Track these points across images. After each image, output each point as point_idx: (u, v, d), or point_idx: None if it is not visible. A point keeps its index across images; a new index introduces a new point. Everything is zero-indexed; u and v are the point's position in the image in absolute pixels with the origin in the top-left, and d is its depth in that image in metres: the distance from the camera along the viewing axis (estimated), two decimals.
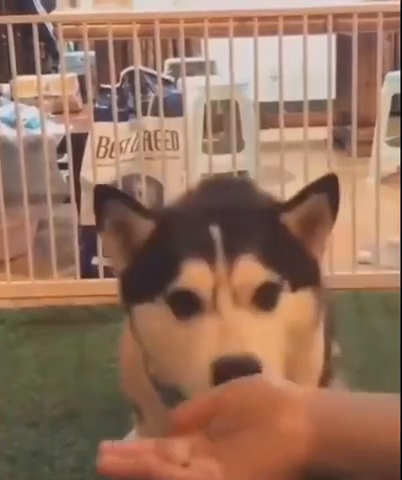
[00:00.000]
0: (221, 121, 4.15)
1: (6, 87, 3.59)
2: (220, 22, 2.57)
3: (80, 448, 1.75)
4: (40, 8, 5.08)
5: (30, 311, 2.50)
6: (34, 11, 4.82)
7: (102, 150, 2.69)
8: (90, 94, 2.64)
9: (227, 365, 0.87)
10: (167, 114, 2.62)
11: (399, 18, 2.55)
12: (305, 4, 2.68)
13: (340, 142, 3.84)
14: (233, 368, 0.86)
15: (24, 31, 4.15)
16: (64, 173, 2.96)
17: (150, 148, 2.71)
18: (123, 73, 2.74)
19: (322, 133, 2.77)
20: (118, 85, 2.70)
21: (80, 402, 1.95)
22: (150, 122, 2.69)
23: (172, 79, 3.00)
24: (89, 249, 2.69)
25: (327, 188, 1.00)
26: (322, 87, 2.62)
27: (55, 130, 2.90)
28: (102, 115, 2.67)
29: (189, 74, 2.95)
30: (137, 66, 2.64)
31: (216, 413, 0.74)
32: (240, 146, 3.47)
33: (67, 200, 2.72)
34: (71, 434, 1.81)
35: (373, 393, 0.77)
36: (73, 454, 1.73)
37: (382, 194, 2.65)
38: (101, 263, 2.62)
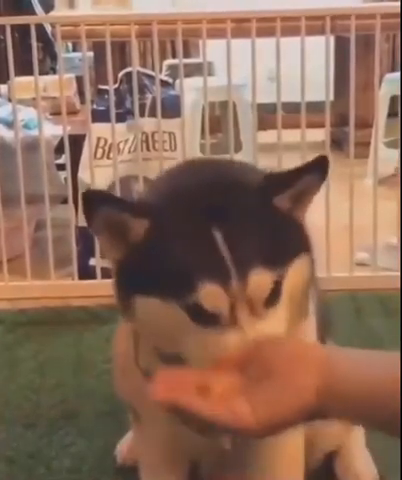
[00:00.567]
0: (219, 122, 4.16)
1: (4, 88, 3.60)
2: (218, 23, 2.58)
3: (78, 449, 1.75)
4: (38, 9, 5.08)
5: (28, 312, 2.50)
6: (32, 12, 4.82)
7: (100, 151, 2.70)
8: (88, 95, 2.64)
9: None
10: (165, 115, 2.63)
11: (397, 20, 2.56)
12: (303, 5, 2.68)
13: (338, 143, 3.85)
14: None
15: (22, 32, 4.13)
16: (62, 174, 2.96)
17: (148, 149, 2.71)
18: (121, 74, 2.75)
19: (320, 134, 2.77)
20: (116, 86, 2.70)
21: (78, 403, 1.95)
22: (148, 123, 2.69)
23: (170, 80, 3.00)
24: (86, 250, 2.69)
25: (319, 169, 1.01)
26: (320, 88, 2.62)
27: (53, 131, 2.91)
28: (100, 116, 2.67)
29: (187, 75, 2.95)
30: (135, 67, 2.64)
31: (253, 361, 0.91)
32: (238, 147, 3.48)
33: (65, 201, 2.72)
34: (69, 435, 1.81)
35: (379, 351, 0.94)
36: (70, 455, 1.73)
37: (380, 195, 2.65)
38: (98, 264, 2.62)
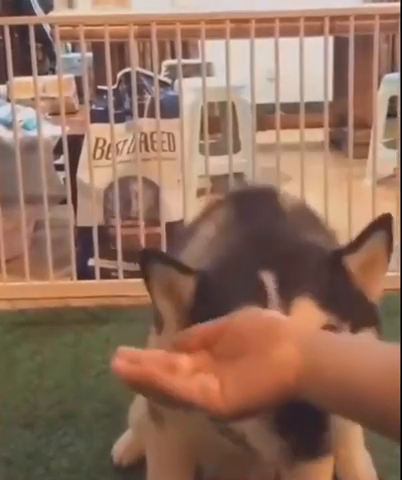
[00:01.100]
0: (218, 122, 4.15)
1: (3, 88, 3.59)
2: (217, 24, 2.57)
3: (76, 449, 1.76)
4: (38, 9, 5.08)
5: (26, 312, 2.50)
6: (32, 12, 4.82)
7: (98, 151, 2.70)
8: (86, 95, 2.64)
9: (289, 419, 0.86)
10: (163, 115, 2.62)
11: (396, 20, 2.56)
12: (302, 6, 2.68)
13: (337, 144, 3.85)
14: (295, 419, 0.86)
15: (22, 32, 4.14)
16: (61, 174, 2.96)
17: (146, 149, 2.71)
18: (120, 74, 2.75)
19: (319, 135, 2.77)
20: (115, 87, 2.70)
21: (76, 403, 1.95)
22: (146, 124, 2.69)
23: (169, 81, 3.00)
24: (85, 250, 2.69)
25: (384, 227, 1.00)
26: (319, 89, 2.62)
27: (52, 131, 2.90)
28: (99, 116, 2.67)
29: (186, 76, 2.95)
30: (134, 68, 2.64)
31: (221, 337, 0.82)
32: (237, 147, 3.47)
33: (63, 201, 2.72)
34: (67, 435, 1.81)
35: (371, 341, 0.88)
36: (69, 455, 1.74)
37: (379, 196, 2.65)
38: (97, 264, 2.62)
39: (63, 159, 2.67)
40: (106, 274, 2.64)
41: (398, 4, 2.60)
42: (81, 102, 3.28)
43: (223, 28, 2.53)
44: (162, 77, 3.28)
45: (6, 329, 2.39)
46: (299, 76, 2.56)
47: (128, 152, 2.72)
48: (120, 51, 3.74)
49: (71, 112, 3.22)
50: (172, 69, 4.34)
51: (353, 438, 1.59)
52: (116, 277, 2.60)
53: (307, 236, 1.06)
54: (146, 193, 2.68)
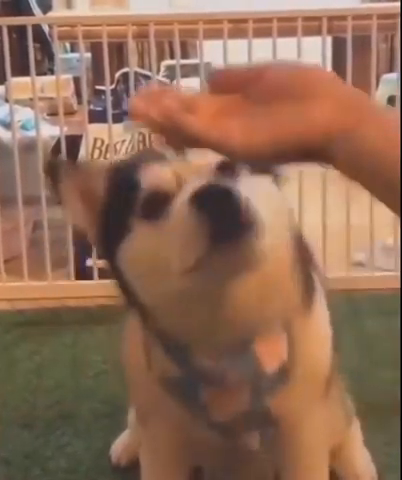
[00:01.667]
0: None
1: (1, 88, 3.59)
2: (215, 24, 2.57)
3: (74, 449, 1.76)
4: (36, 10, 5.08)
5: (25, 312, 2.50)
6: (30, 13, 4.82)
7: (97, 152, 2.69)
8: (85, 96, 2.64)
9: (205, 190, 0.87)
10: None
11: (393, 20, 2.56)
12: (299, 6, 2.68)
13: None
14: (209, 189, 0.87)
15: (20, 32, 4.14)
16: None
17: None
18: (117, 75, 2.75)
19: None
20: (113, 87, 2.70)
21: (74, 403, 1.95)
22: None
23: (167, 81, 3.00)
24: (84, 250, 2.69)
25: None
26: None
27: (50, 132, 2.90)
28: (97, 117, 2.67)
29: (185, 76, 2.95)
30: (131, 68, 2.64)
31: (254, 82, 0.76)
32: None
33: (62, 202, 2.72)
34: (65, 435, 1.81)
35: None
36: (67, 455, 1.74)
37: None
38: (95, 265, 2.62)
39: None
40: (104, 274, 2.64)
41: (395, 4, 2.60)
42: (79, 102, 3.28)
43: (221, 28, 2.53)
44: (161, 77, 3.27)
45: (5, 329, 2.39)
46: None
47: (126, 152, 2.71)
48: (118, 51, 3.75)
49: (69, 112, 3.22)
50: (171, 69, 4.33)
51: (353, 436, 1.59)
52: None
53: None
54: None
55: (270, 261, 0.92)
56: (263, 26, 2.56)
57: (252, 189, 0.92)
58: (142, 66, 4.79)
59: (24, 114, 3.03)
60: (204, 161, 0.95)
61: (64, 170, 1.01)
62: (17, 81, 2.89)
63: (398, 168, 0.71)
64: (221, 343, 0.91)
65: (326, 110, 0.73)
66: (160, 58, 5.08)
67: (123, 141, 2.72)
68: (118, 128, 2.69)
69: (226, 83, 0.77)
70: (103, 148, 2.69)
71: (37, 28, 3.94)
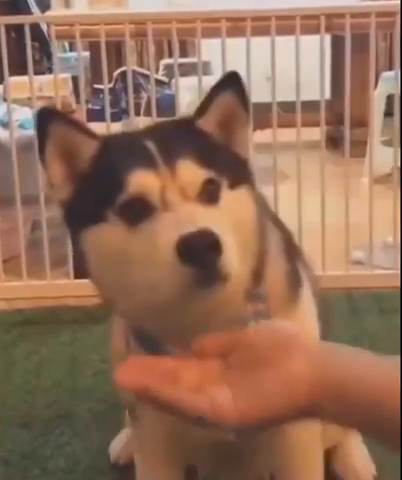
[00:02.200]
0: None
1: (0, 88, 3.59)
2: (213, 22, 2.57)
3: (72, 449, 1.75)
4: (35, 9, 5.08)
5: (24, 312, 2.50)
6: (29, 12, 4.82)
7: None
8: (82, 95, 2.64)
9: (190, 239, 0.90)
10: (160, 114, 2.62)
11: (392, 18, 2.56)
12: (298, 4, 2.67)
13: (335, 142, 3.84)
14: (196, 240, 0.90)
15: (19, 32, 4.14)
16: None
17: None
18: (116, 73, 2.75)
19: (316, 133, 2.77)
20: (111, 85, 2.70)
21: (73, 403, 1.95)
22: (143, 122, 2.69)
23: (166, 79, 3.00)
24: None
25: (230, 85, 1.03)
26: (317, 87, 2.62)
27: None
28: (95, 115, 2.67)
29: (184, 74, 2.94)
30: (129, 67, 2.64)
31: (236, 348, 0.84)
32: None
33: None
34: (64, 435, 1.81)
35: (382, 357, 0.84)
36: (65, 455, 1.73)
37: (378, 194, 2.65)
38: None
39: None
40: None
41: (394, 2, 2.59)
42: (78, 101, 3.28)
43: (219, 27, 2.53)
44: (159, 76, 3.27)
45: (4, 329, 2.39)
46: (296, 74, 2.55)
47: None
48: (117, 50, 3.75)
49: (68, 111, 3.22)
50: (170, 68, 4.33)
51: (351, 435, 1.59)
52: None
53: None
54: None
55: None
56: (261, 24, 2.55)
57: (232, 208, 0.98)
58: (141, 65, 4.80)
59: (22, 113, 3.03)
60: (192, 176, 0.96)
61: (55, 124, 1.00)
62: (15, 80, 2.89)
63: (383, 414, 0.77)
64: (189, 334, 0.92)
65: (302, 366, 0.80)
66: (159, 57, 5.09)
67: None
68: (116, 127, 2.69)
69: (206, 351, 0.85)
70: None
71: (36, 27, 3.93)
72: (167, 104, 2.70)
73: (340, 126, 3.55)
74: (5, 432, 1.83)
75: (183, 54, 4.91)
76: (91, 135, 1.02)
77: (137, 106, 2.67)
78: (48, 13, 3.99)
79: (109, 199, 0.96)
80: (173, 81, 2.83)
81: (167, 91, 2.85)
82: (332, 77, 4.52)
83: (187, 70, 3.73)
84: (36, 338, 2.32)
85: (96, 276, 1.03)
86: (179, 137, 1.02)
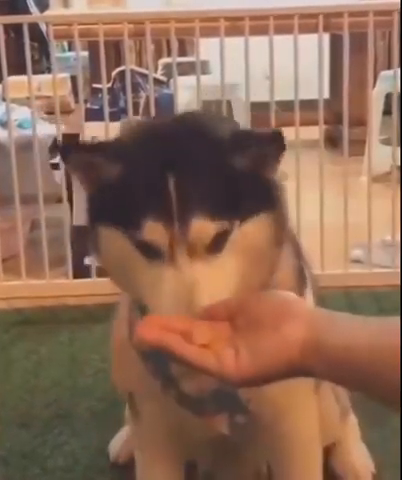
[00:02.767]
0: None
1: None
2: (211, 22, 2.57)
3: (72, 448, 1.76)
4: (34, 8, 5.08)
5: (23, 311, 2.50)
6: (28, 12, 4.82)
7: None
8: (81, 94, 2.64)
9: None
10: (159, 114, 2.62)
11: (390, 17, 2.56)
12: (296, 3, 2.68)
13: (334, 141, 3.85)
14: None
15: (18, 31, 4.14)
16: (57, 173, 2.96)
17: None
18: (114, 73, 2.75)
19: (315, 132, 2.77)
20: (110, 85, 2.70)
21: (72, 402, 1.95)
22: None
23: (164, 79, 3.00)
24: (81, 249, 2.69)
25: (275, 142, 1.06)
26: (316, 86, 2.62)
27: (47, 130, 2.90)
28: (94, 115, 2.67)
29: (183, 74, 2.95)
30: (128, 66, 2.64)
31: (241, 312, 0.93)
32: None
33: (59, 200, 2.72)
34: (62, 434, 1.81)
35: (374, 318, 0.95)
36: (65, 454, 1.74)
37: (377, 193, 2.65)
38: (93, 263, 2.62)
39: (59, 158, 2.66)
40: (102, 273, 2.64)
41: (392, 0, 2.59)
42: (76, 101, 3.28)
43: (217, 26, 2.53)
44: (158, 75, 3.27)
45: (3, 328, 2.39)
46: (294, 73, 2.55)
47: None
48: (116, 50, 3.74)
49: (66, 111, 3.23)
50: (168, 67, 4.33)
51: (349, 432, 1.59)
52: None
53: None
54: None
55: None
56: (260, 24, 2.55)
57: (242, 244, 1.00)
58: (139, 64, 4.80)
59: (21, 113, 3.03)
60: (203, 233, 0.97)
61: (74, 154, 1.03)
62: (14, 80, 2.90)
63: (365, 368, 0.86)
64: None
65: (299, 331, 0.89)
66: (158, 56, 5.09)
67: None
68: (115, 126, 2.69)
69: (215, 314, 0.93)
70: None
71: (34, 27, 3.93)
72: (166, 103, 2.70)
73: (339, 125, 3.56)
74: (4, 431, 1.83)
75: (182, 53, 4.92)
76: (112, 159, 1.02)
77: (136, 105, 2.67)
78: (47, 13, 3.99)
79: (129, 227, 0.99)
80: (172, 80, 2.83)
81: (166, 90, 2.84)
82: (331, 76, 4.53)
83: (186, 69, 3.73)
84: (35, 337, 2.32)
85: (109, 268, 1.09)
86: (203, 175, 1.00)
